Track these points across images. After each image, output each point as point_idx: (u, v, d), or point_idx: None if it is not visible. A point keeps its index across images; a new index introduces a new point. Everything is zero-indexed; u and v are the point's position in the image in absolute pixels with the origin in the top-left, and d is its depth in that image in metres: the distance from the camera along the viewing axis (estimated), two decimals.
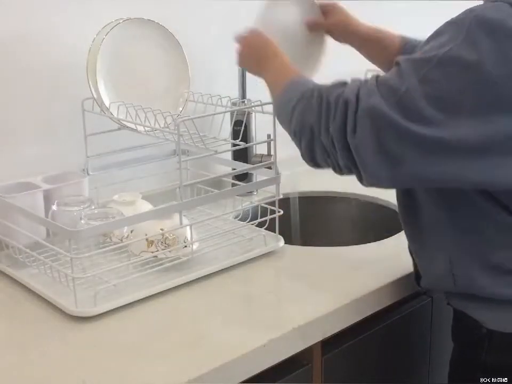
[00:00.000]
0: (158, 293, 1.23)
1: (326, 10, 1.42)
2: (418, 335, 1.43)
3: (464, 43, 0.97)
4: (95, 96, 1.42)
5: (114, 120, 1.44)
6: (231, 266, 1.34)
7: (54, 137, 1.51)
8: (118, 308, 1.18)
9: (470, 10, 1.00)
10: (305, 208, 1.78)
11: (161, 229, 1.30)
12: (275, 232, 1.43)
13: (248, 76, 1.71)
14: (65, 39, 1.49)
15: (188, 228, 1.33)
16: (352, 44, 1.43)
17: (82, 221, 1.26)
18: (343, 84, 1.09)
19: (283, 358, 1.13)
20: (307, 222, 1.77)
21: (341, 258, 1.41)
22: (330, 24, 1.42)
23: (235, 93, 1.69)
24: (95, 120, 1.46)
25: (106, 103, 1.39)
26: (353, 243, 1.47)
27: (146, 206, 1.43)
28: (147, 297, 1.22)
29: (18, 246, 1.29)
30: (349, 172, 1.08)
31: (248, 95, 1.69)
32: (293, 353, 1.15)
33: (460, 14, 1.02)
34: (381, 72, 1.21)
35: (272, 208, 1.44)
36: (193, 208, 1.49)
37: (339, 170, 1.10)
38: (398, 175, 1.03)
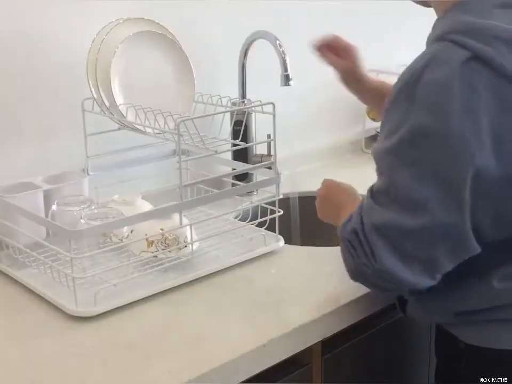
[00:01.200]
0: (158, 293, 1.23)
1: (342, 50, 1.42)
2: (418, 335, 1.43)
3: (418, 110, 0.97)
4: (95, 96, 1.42)
5: (114, 120, 1.44)
6: (231, 266, 1.34)
7: (54, 137, 1.51)
8: (118, 307, 1.18)
9: (408, 72, 1.00)
10: (305, 208, 1.77)
11: (161, 229, 1.30)
12: (275, 232, 1.43)
13: (248, 76, 1.71)
14: (65, 39, 1.48)
15: (188, 227, 1.33)
16: (353, 89, 1.45)
17: (82, 221, 1.26)
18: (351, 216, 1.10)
19: (283, 358, 1.13)
20: (307, 222, 1.77)
21: (341, 258, 1.41)
22: (340, 66, 1.42)
23: (235, 93, 1.69)
24: (95, 120, 1.46)
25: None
26: None
27: (146, 206, 1.43)
28: (147, 297, 1.22)
29: (18, 246, 1.29)
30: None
31: (248, 95, 1.69)
32: (293, 353, 1.15)
33: (400, 78, 1.01)
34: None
35: (272, 208, 1.44)
36: (193, 208, 1.49)
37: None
38: (442, 270, 1.03)
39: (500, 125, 0.96)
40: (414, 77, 0.98)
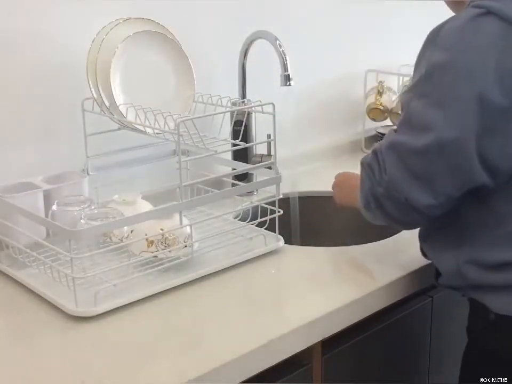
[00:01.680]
0: (158, 293, 1.23)
1: None
2: (418, 335, 1.43)
3: (437, 51, 1.11)
4: (95, 96, 1.42)
5: (114, 120, 1.44)
6: (231, 266, 1.34)
7: (54, 137, 1.51)
8: (118, 307, 1.18)
9: (437, 25, 1.14)
10: (305, 208, 1.77)
11: (161, 229, 1.30)
12: (275, 232, 1.43)
13: (248, 76, 1.71)
14: (65, 39, 1.48)
15: (188, 227, 1.33)
16: None
17: (82, 221, 1.26)
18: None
19: (283, 358, 1.13)
20: (307, 222, 1.77)
21: (341, 258, 1.41)
22: None
23: (235, 93, 1.69)
24: (95, 120, 1.46)
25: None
26: (353, 243, 1.47)
27: (146, 206, 1.43)
28: (147, 297, 1.22)
29: (18, 246, 1.29)
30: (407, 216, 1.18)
31: (248, 95, 1.69)
32: (293, 353, 1.15)
33: (430, 32, 1.15)
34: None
35: (272, 208, 1.44)
36: (193, 208, 1.49)
37: (409, 214, 1.18)
38: (439, 189, 1.12)
39: (503, 62, 1.08)
40: (437, 28, 1.14)
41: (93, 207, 1.33)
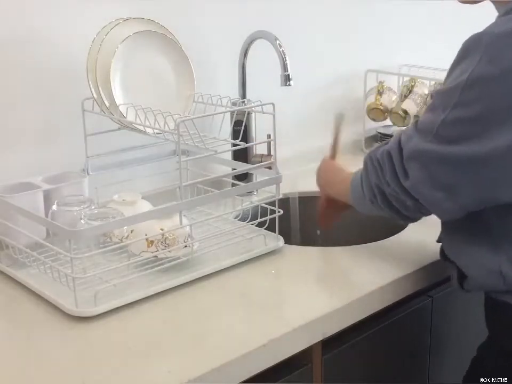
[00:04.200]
0: (158, 293, 1.23)
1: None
2: (418, 335, 1.43)
3: (483, 61, 1.04)
4: (95, 96, 1.42)
5: (114, 120, 1.44)
6: (231, 266, 1.34)
7: (54, 137, 1.51)
8: (118, 307, 1.18)
9: (479, 32, 1.06)
10: (305, 208, 1.77)
11: (161, 229, 1.30)
12: (275, 232, 1.43)
13: (249, 76, 1.71)
14: (65, 39, 1.49)
15: (188, 227, 1.33)
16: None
17: (82, 221, 1.26)
18: (387, 142, 1.21)
19: (283, 358, 1.13)
20: (307, 222, 1.77)
21: (341, 258, 1.41)
22: None
23: (235, 93, 1.69)
24: (95, 120, 1.46)
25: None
26: (353, 243, 1.47)
27: (146, 206, 1.43)
28: (147, 297, 1.22)
29: (18, 246, 1.29)
30: (422, 213, 1.19)
31: (248, 95, 1.69)
32: (293, 353, 1.15)
33: (469, 39, 1.07)
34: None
35: (272, 208, 1.44)
36: (193, 208, 1.49)
37: (418, 213, 1.21)
38: (461, 201, 1.12)
39: None
40: (479, 36, 1.06)
41: (93, 207, 1.33)
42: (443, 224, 1.25)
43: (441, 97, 1.11)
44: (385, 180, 1.18)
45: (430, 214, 1.20)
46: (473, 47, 1.06)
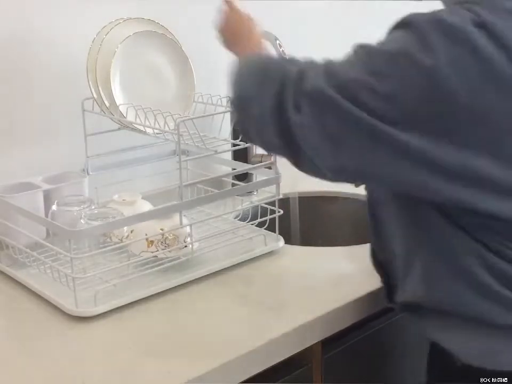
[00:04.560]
0: (158, 293, 1.23)
1: None
2: (419, 335, 1.43)
3: (419, 44, 0.92)
4: (95, 96, 1.42)
5: (115, 120, 1.44)
6: (231, 266, 1.34)
7: (54, 137, 1.51)
8: (118, 307, 1.18)
9: (426, 13, 0.95)
10: (305, 208, 1.78)
11: (161, 229, 1.30)
12: (275, 232, 1.43)
13: None
14: (65, 39, 1.49)
15: (188, 227, 1.33)
16: None
17: (82, 221, 1.26)
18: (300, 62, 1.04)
19: (283, 358, 1.13)
20: (307, 222, 1.77)
21: (341, 258, 1.41)
22: None
23: None
24: (95, 120, 1.46)
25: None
26: (353, 243, 1.47)
27: (146, 206, 1.43)
28: (147, 297, 1.22)
29: (18, 246, 1.29)
30: (279, 151, 1.05)
31: None
32: (293, 353, 1.15)
33: (416, 14, 0.95)
34: None
35: (272, 208, 1.44)
36: (193, 208, 1.49)
37: (270, 146, 1.07)
38: (341, 162, 0.98)
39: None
40: (425, 14, 0.95)
41: (93, 207, 1.33)
42: (372, 231, 1.18)
43: (364, 54, 0.98)
44: (290, 89, 0.99)
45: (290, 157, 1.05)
46: (415, 23, 0.94)
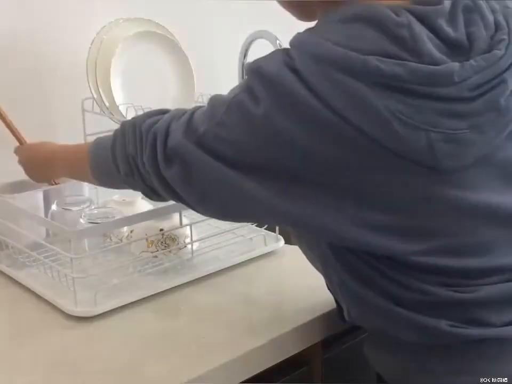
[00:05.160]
0: (158, 293, 1.23)
1: None
2: None
3: (247, 93, 0.93)
4: (95, 96, 1.42)
5: (114, 120, 1.44)
6: (231, 266, 1.34)
7: (54, 137, 1.50)
8: (118, 307, 1.18)
9: (255, 60, 0.96)
10: None
11: (161, 229, 1.30)
12: (275, 232, 1.43)
13: None
14: (65, 39, 1.49)
15: (188, 227, 1.33)
16: None
17: (82, 221, 1.26)
18: (163, 112, 1.06)
19: (283, 358, 1.13)
20: None
21: None
22: None
23: None
24: (95, 120, 1.46)
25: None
26: None
27: (146, 206, 1.43)
28: (147, 297, 1.22)
29: (18, 246, 1.29)
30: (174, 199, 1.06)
31: None
32: (293, 353, 1.15)
33: (253, 61, 0.97)
34: None
35: None
36: None
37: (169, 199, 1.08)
38: (211, 209, 1.02)
39: None
40: (254, 62, 0.96)
41: (93, 207, 1.33)
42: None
43: (214, 105, 0.98)
44: (141, 158, 1.02)
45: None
46: (248, 70, 0.95)
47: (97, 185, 1.25)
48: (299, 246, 1.14)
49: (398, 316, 0.97)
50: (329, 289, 1.13)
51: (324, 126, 0.89)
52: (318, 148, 0.90)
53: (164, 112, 1.06)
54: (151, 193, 1.08)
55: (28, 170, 1.32)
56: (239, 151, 0.94)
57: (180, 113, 1.03)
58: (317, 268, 1.11)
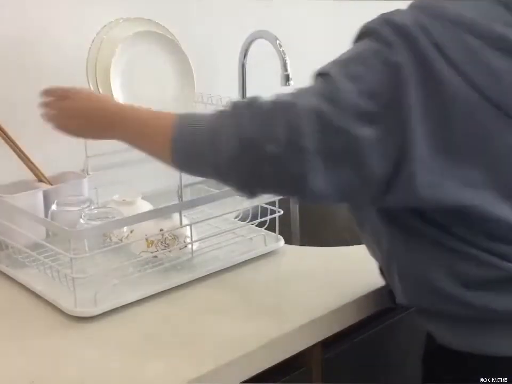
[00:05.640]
0: (158, 293, 1.23)
1: None
2: (419, 335, 1.43)
3: (381, 42, 0.95)
4: None
5: None
6: (231, 266, 1.34)
7: (53, 137, 1.51)
8: (118, 307, 1.18)
9: (380, 17, 0.99)
10: (305, 208, 1.77)
11: (161, 229, 1.30)
12: (275, 232, 1.43)
13: (249, 75, 1.71)
14: (65, 39, 1.48)
15: (188, 227, 1.33)
16: None
17: (82, 221, 1.26)
18: (258, 98, 1.01)
19: (283, 358, 1.13)
20: (307, 222, 1.77)
21: (341, 258, 1.41)
22: None
23: (235, 93, 1.69)
24: None
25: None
26: (353, 243, 1.47)
27: (146, 206, 1.43)
28: (147, 297, 1.22)
29: (18, 246, 1.29)
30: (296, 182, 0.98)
31: (248, 95, 1.69)
32: (293, 353, 1.15)
33: (367, 22, 0.99)
34: None
35: (272, 208, 1.44)
36: (193, 208, 1.49)
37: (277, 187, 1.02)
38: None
39: None
40: (379, 19, 0.99)
41: (93, 207, 1.33)
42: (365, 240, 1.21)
43: (336, 68, 0.97)
44: (275, 136, 0.95)
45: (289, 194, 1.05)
46: (373, 28, 0.98)
47: (166, 163, 1.08)
48: (362, 234, 1.18)
49: (463, 298, 1.02)
50: (382, 273, 1.17)
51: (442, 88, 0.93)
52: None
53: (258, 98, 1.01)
54: (250, 181, 0.99)
55: (73, 119, 1.16)
56: (379, 98, 0.93)
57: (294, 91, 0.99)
58: (376, 257, 1.15)
